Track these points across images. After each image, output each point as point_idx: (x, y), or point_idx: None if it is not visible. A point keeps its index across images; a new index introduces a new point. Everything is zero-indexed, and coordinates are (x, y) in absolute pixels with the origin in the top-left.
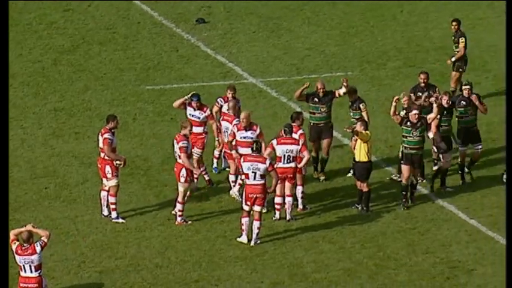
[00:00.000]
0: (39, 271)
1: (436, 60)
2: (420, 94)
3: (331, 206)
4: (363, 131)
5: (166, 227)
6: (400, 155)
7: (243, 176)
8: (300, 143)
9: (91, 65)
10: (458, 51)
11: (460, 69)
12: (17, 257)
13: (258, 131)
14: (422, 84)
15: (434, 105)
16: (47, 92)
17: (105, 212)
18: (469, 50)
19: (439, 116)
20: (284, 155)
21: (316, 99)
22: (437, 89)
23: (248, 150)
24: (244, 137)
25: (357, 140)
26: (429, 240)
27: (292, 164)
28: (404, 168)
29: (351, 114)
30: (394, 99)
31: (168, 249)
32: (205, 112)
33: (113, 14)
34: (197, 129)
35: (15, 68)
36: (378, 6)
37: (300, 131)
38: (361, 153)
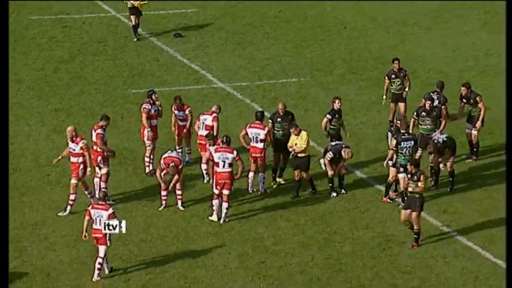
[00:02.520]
0: None
1: (374, 68)
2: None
3: (287, 190)
4: (302, 136)
5: (149, 208)
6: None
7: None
8: (266, 137)
9: (86, 73)
10: (406, 87)
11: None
12: (92, 211)
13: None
14: (428, 108)
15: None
16: (49, 95)
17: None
18: (401, 61)
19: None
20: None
21: (279, 119)
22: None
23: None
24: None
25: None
26: (369, 218)
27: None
28: (401, 177)
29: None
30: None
31: (151, 226)
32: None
33: (104, 29)
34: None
35: (22, 75)
36: (325, 23)
37: (267, 128)
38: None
